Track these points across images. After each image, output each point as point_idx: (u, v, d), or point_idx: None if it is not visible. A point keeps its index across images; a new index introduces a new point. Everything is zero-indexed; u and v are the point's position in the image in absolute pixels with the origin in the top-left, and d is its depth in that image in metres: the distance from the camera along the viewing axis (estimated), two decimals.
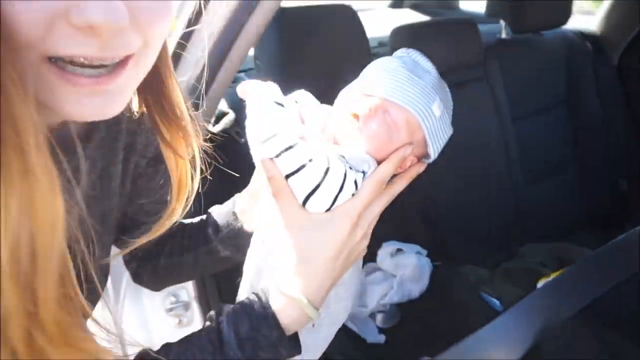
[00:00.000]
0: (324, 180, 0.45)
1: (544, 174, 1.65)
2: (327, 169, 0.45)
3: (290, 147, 0.44)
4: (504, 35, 1.69)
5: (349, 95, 0.52)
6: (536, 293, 0.76)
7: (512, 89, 1.57)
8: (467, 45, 1.47)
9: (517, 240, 1.53)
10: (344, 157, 0.47)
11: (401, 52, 0.55)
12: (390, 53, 1.53)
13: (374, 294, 1.26)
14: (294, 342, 0.47)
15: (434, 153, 0.53)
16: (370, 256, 1.31)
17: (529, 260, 1.45)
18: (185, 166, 0.50)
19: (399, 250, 1.32)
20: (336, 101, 0.53)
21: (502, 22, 1.69)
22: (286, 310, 0.45)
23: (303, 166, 0.45)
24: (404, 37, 1.37)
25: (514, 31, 1.64)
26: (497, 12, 1.64)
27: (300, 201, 0.46)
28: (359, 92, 0.50)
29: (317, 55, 1.16)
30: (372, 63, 0.54)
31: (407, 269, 1.27)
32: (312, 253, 0.46)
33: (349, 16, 1.22)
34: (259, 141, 0.45)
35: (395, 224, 1.40)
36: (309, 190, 0.45)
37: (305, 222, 0.47)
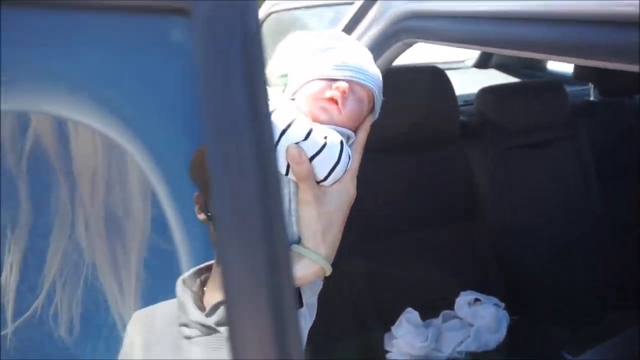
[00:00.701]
0: (341, 156, 0.53)
1: (631, 236, 1.60)
2: (342, 144, 0.53)
3: (310, 130, 0.51)
4: (592, 98, 1.72)
5: (308, 81, 0.57)
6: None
7: (599, 150, 1.58)
8: (553, 106, 1.52)
9: (600, 304, 1.48)
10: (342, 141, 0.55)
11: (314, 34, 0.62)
12: (475, 112, 1.62)
13: (450, 341, 1.29)
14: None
15: (377, 114, 0.61)
16: (448, 303, 1.36)
17: (617, 326, 1.40)
18: None
19: (477, 300, 1.35)
20: (298, 88, 0.58)
21: (591, 85, 1.72)
22: (300, 265, 0.51)
23: (324, 145, 0.52)
24: (490, 98, 1.46)
25: (603, 94, 1.67)
26: (585, 75, 1.68)
27: (323, 178, 0.53)
28: (318, 76, 0.56)
29: (407, 112, 1.28)
30: (295, 45, 0.62)
31: (484, 319, 1.29)
32: (332, 222, 0.53)
33: (439, 78, 1.34)
34: (280, 130, 0.51)
35: (474, 275, 1.45)
36: (331, 167, 0.52)
37: (325, 197, 0.53)
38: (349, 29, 0.79)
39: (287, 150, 0.51)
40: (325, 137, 0.52)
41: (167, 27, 0.19)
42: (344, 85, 0.55)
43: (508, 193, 1.49)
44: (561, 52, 0.46)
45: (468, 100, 1.71)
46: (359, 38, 0.78)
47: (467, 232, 1.45)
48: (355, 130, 0.57)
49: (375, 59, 0.75)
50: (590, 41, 0.41)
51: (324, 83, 0.56)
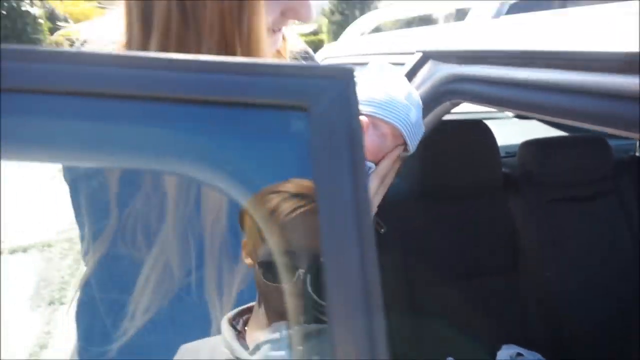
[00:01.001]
0: None
1: None
2: None
3: None
4: (637, 153, 1.71)
5: None
6: None
7: None
8: (597, 161, 1.52)
9: None
10: None
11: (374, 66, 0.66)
12: (517, 164, 1.64)
13: None
14: None
15: (412, 148, 0.64)
16: (489, 356, 1.34)
17: None
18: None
19: (519, 354, 1.33)
20: None
21: (637, 140, 1.71)
22: None
23: None
24: (533, 151, 1.48)
25: None
26: None
27: None
28: None
29: (451, 163, 1.32)
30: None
31: None
32: None
33: (482, 130, 1.39)
34: None
35: (517, 329, 1.42)
36: None
37: None
38: None
39: None
40: None
41: (288, 119, 0.25)
42: (363, 119, 0.60)
43: (552, 247, 1.48)
44: (599, 122, 0.50)
45: (510, 152, 1.73)
46: None
47: (511, 284, 1.44)
48: (377, 162, 0.61)
49: (425, 115, 0.81)
50: (625, 114, 0.45)
51: None
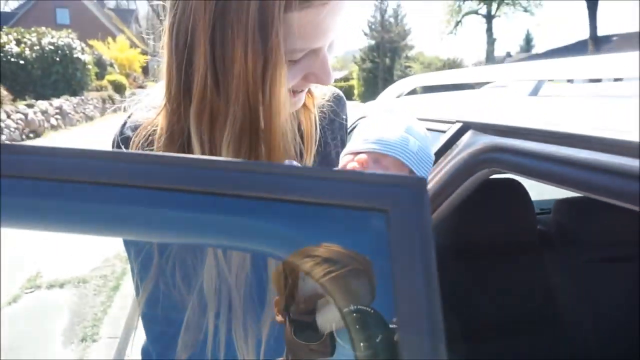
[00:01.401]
0: None
1: None
2: None
3: None
4: None
5: (343, 156, 0.68)
6: None
7: None
8: (635, 221, 1.51)
9: None
10: None
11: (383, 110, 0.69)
12: (553, 222, 1.62)
13: None
14: None
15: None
16: None
17: None
18: (311, 118, 0.68)
19: None
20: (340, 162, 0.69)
21: None
22: None
23: None
24: (569, 209, 1.49)
25: None
26: None
27: None
28: (347, 152, 0.67)
29: (486, 221, 1.35)
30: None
31: None
32: None
33: (516, 188, 1.41)
34: None
35: None
36: None
37: None
38: (441, 152, 0.90)
39: None
40: None
41: (370, 219, 0.30)
42: (362, 157, 0.64)
43: (589, 306, 1.46)
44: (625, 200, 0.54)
45: (544, 208, 1.73)
46: (449, 161, 0.89)
47: (547, 343, 1.41)
48: None
49: (463, 181, 0.85)
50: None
51: (351, 156, 0.66)
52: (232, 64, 0.53)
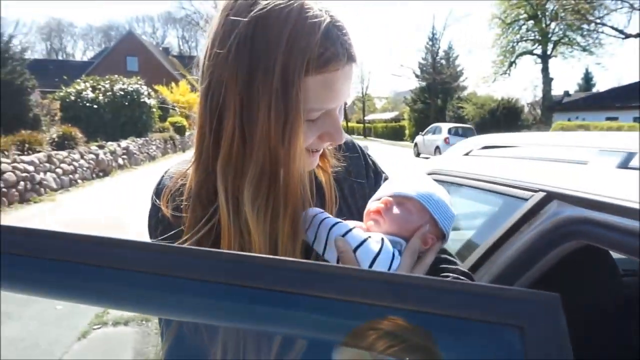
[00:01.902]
0: (380, 250, 0.62)
1: None
2: (382, 241, 0.64)
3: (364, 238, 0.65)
4: None
5: (371, 204, 0.73)
6: None
7: None
8: None
9: None
10: (383, 239, 0.65)
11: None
12: None
13: None
14: None
15: (445, 232, 0.68)
16: None
17: None
18: (330, 180, 0.75)
19: None
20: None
21: None
22: None
23: (365, 240, 0.64)
24: None
25: None
26: None
27: (367, 266, 0.63)
28: (374, 199, 0.73)
29: (572, 291, 1.29)
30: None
31: None
32: None
33: (601, 257, 1.35)
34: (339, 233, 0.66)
35: None
36: (371, 259, 0.63)
37: None
38: (522, 221, 0.90)
39: (334, 241, 0.66)
40: (369, 237, 0.65)
41: (503, 334, 0.32)
42: (386, 198, 0.70)
43: None
44: None
45: (628, 269, 1.64)
46: (531, 230, 0.88)
47: None
48: (408, 238, 0.68)
49: (546, 252, 0.84)
50: None
51: (377, 202, 0.72)
52: (257, 122, 0.61)
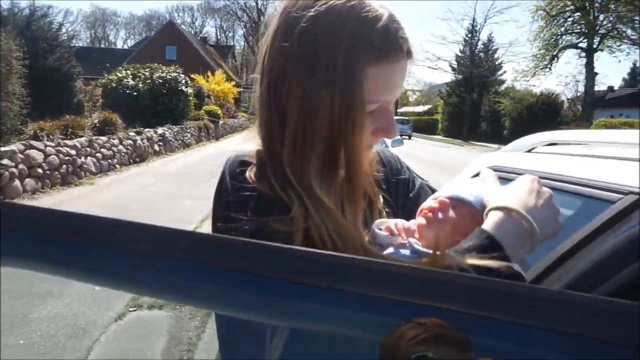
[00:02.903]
0: None
1: None
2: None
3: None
4: None
5: (428, 201, 0.71)
6: None
7: None
8: None
9: None
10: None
11: None
12: None
13: None
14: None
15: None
16: None
17: None
18: (372, 182, 0.75)
19: None
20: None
21: None
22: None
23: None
24: None
25: None
26: None
27: None
28: (434, 197, 0.71)
29: None
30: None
31: None
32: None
33: None
34: None
35: None
36: None
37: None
38: (606, 226, 0.81)
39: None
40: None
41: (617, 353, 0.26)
42: (443, 200, 0.67)
43: None
44: None
45: None
46: (617, 235, 0.79)
47: None
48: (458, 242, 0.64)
49: (629, 263, 0.75)
50: None
51: (432, 201, 0.69)
52: (318, 113, 0.62)
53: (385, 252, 0.65)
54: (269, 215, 0.61)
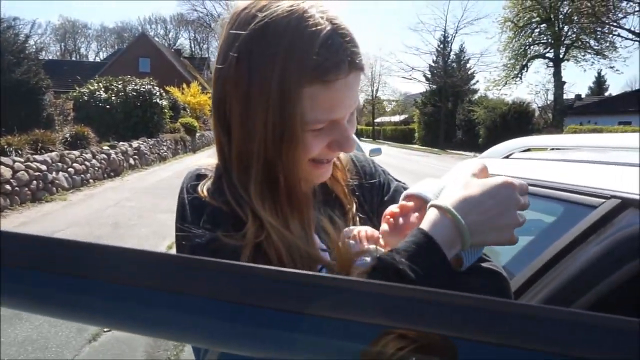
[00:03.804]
0: None
1: None
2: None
3: None
4: None
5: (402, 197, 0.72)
6: None
7: None
8: None
9: None
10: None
11: None
12: None
13: None
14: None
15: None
16: None
17: None
18: (345, 191, 0.76)
19: None
20: None
21: None
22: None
23: None
24: None
25: None
26: None
27: None
28: (408, 194, 0.70)
29: None
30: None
31: None
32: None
33: None
34: None
35: None
36: None
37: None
38: (589, 232, 0.80)
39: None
40: None
41: None
42: (403, 202, 0.68)
43: None
44: None
45: None
46: (602, 240, 0.79)
47: None
48: None
49: (621, 263, 0.74)
50: None
51: (394, 206, 0.70)
52: (255, 135, 0.62)
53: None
54: (220, 228, 0.62)
